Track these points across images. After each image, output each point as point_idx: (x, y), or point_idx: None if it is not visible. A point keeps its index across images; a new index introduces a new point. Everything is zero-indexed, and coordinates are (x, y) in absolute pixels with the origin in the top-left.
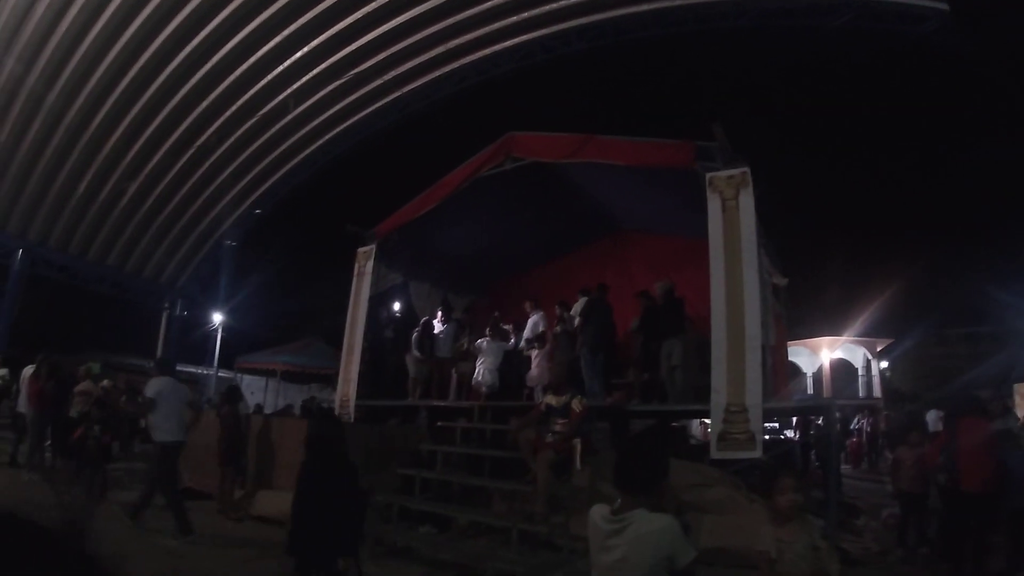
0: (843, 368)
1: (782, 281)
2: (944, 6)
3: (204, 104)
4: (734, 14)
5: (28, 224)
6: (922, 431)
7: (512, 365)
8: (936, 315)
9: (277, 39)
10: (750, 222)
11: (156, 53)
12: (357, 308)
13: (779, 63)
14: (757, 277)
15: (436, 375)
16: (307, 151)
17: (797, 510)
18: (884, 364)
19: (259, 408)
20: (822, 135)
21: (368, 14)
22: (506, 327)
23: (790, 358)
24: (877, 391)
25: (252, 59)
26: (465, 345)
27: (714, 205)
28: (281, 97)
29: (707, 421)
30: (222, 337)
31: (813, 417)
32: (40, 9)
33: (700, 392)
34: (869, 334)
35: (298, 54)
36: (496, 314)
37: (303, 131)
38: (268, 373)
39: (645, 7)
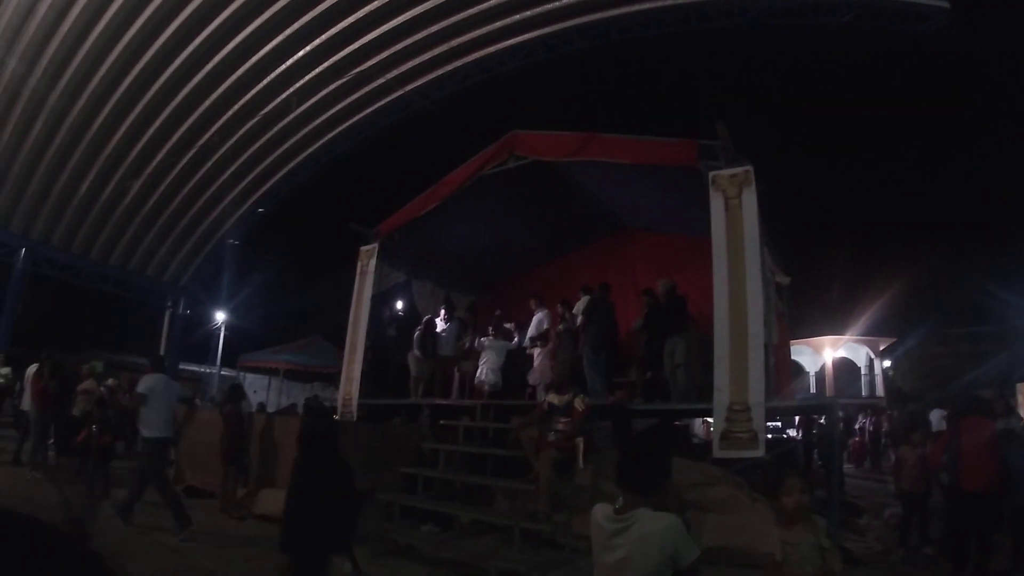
0: (846, 367)
1: (785, 280)
2: (945, 5)
3: (206, 103)
4: (736, 12)
5: (31, 223)
6: (925, 431)
7: (514, 364)
8: (938, 314)
9: (279, 38)
10: (753, 220)
11: (158, 52)
12: (360, 307)
13: (781, 62)
14: (760, 276)
15: (438, 374)
16: (309, 150)
17: (803, 511)
18: (887, 363)
19: (262, 407)
20: (824, 134)
21: (370, 13)
22: (508, 326)
23: (793, 357)
24: (880, 390)
25: (254, 58)
26: (467, 344)
27: (717, 204)
28: (283, 96)
29: (710, 420)
30: (225, 336)
31: (816, 416)
32: (42, 9)
33: (703, 391)
34: (872, 333)
35: (300, 53)
36: (498, 313)
37: (305, 130)
38: (271, 372)
39: (647, 6)
